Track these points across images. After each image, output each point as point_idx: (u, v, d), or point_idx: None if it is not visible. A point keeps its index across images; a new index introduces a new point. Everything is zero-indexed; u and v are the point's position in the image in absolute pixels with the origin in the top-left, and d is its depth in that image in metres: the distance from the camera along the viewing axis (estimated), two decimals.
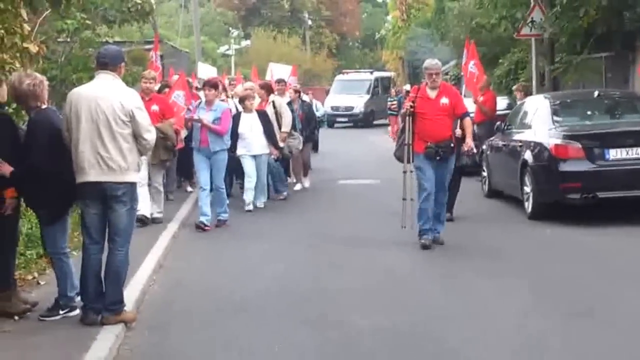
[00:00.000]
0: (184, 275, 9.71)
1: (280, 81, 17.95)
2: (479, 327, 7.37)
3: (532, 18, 18.71)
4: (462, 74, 21.42)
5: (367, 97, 41.50)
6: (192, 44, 40.19)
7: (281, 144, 15.38)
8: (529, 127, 13.84)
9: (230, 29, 57.77)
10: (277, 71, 23.67)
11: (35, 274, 9.09)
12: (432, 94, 11.03)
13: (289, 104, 16.73)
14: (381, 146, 25.43)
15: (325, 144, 25.17)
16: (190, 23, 43.80)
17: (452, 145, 11.00)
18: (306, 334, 7.26)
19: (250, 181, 14.52)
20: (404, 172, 11.13)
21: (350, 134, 36.12)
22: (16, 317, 7.50)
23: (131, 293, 8.23)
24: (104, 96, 7.27)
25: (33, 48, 8.42)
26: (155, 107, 12.35)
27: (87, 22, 14.19)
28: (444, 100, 10.99)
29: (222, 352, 6.88)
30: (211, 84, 13.21)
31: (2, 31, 8.05)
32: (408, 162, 11.10)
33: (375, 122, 40.37)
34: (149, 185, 12.79)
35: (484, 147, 15.41)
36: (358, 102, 41.01)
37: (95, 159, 7.19)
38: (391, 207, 12.60)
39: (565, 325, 7.35)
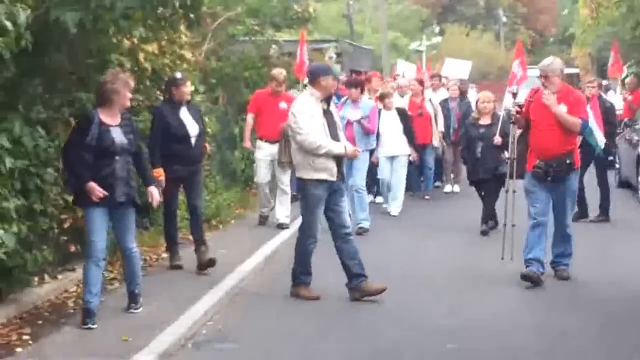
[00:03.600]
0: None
1: (434, 76, 18.53)
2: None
3: None
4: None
5: None
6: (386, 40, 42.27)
7: (436, 144, 15.35)
8: None
9: (428, 25, 59.61)
10: (452, 67, 24.56)
11: None
12: None
13: (446, 101, 16.54)
14: None
15: None
16: (387, 20, 46.10)
17: (568, 161, 9.18)
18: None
19: (384, 185, 13.97)
20: (506, 191, 10.00)
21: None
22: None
23: None
24: None
25: (187, 54, 10.87)
26: (283, 105, 12.39)
27: (255, 27, 16.64)
28: (561, 108, 9.16)
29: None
30: (353, 83, 13.18)
31: (164, 42, 10.52)
32: (511, 178, 9.96)
33: None
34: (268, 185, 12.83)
35: (617, 140, 16.61)
36: None
37: None
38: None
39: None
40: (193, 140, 9.70)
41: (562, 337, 7.60)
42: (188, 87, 9.79)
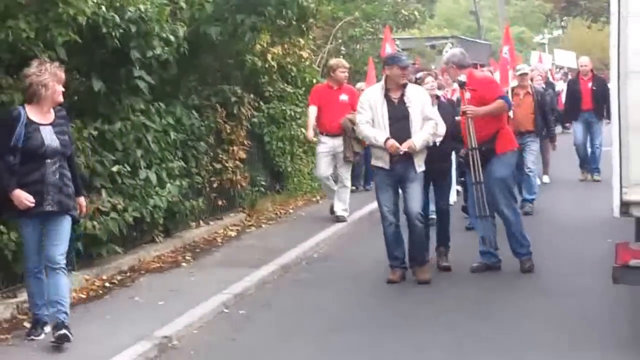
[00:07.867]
0: None
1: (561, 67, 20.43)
2: None
3: None
4: None
5: None
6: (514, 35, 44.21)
7: None
8: None
9: (552, 19, 61.05)
10: (561, 57, 26.34)
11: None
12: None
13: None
14: None
15: None
16: (512, 15, 48.17)
17: (484, 148, 8.91)
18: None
19: None
20: (474, 183, 9.07)
21: None
22: None
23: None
24: None
25: (305, 54, 13.84)
26: (344, 97, 12.29)
27: (370, 29, 19.52)
28: (467, 95, 9.05)
29: None
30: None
31: (286, 45, 13.52)
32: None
33: None
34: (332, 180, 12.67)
35: None
36: None
37: None
38: None
39: None
40: (437, 140, 9.19)
41: None
42: (428, 84, 9.73)
